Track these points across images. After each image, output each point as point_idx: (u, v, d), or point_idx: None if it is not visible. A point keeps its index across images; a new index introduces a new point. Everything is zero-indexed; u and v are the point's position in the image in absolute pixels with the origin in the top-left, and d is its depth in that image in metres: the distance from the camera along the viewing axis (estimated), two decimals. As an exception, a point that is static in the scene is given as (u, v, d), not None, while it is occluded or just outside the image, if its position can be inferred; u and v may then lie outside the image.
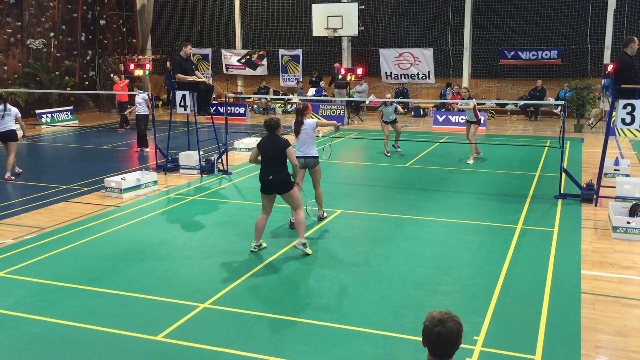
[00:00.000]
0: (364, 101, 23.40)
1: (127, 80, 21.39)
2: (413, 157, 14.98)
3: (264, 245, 8.21)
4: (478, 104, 14.32)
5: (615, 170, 12.32)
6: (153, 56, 27.87)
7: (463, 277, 7.18)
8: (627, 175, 11.92)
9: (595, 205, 10.35)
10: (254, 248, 8.08)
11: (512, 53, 23.13)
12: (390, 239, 8.62)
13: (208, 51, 27.58)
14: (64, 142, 18.59)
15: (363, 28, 24.62)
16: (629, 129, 11.95)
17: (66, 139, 19.18)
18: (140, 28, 28.33)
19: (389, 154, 15.21)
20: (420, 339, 3.13)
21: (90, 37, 26.13)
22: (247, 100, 25.66)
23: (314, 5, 24.48)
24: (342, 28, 24.13)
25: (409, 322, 5.99)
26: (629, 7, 21.56)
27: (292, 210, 9.11)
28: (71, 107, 23.08)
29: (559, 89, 22.31)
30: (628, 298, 6.60)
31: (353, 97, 23.15)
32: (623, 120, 9.87)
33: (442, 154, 15.39)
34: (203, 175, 13.00)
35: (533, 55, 22.88)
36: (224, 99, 20.05)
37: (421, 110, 23.83)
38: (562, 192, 10.86)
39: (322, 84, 24.86)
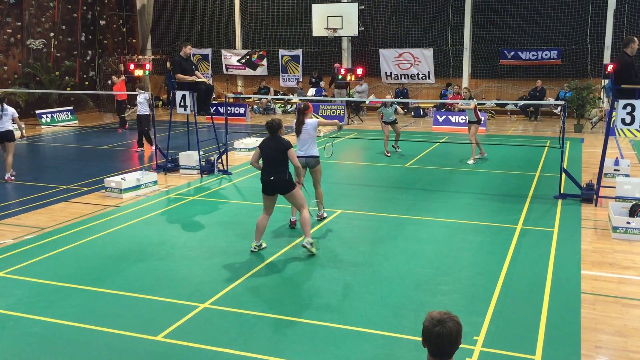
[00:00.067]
0: (364, 101, 23.41)
1: (124, 77, 21.36)
2: (413, 157, 14.98)
3: (264, 245, 8.21)
4: (478, 104, 14.31)
5: (615, 170, 12.32)
6: (153, 56, 27.87)
7: (463, 277, 7.19)
8: (627, 176, 11.92)
9: (595, 205, 10.36)
10: (254, 248, 8.08)
11: (512, 53, 23.13)
12: (390, 239, 8.63)
13: (208, 51, 27.59)
14: (64, 142, 18.59)
15: (363, 28, 24.63)
16: (629, 129, 11.94)
17: (66, 139, 19.19)
18: (140, 28, 28.34)
19: (389, 154, 15.21)
20: (420, 339, 3.13)
21: (90, 37, 26.14)
22: (247, 100, 25.66)
23: (314, 5, 24.49)
24: (342, 28, 24.14)
25: (409, 322, 5.99)
26: (629, 7, 21.56)
27: (292, 210, 9.15)
28: (71, 107, 23.08)
29: (559, 89, 22.31)
30: (628, 298, 6.60)
31: (353, 98, 23.15)
32: (623, 121, 9.87)
33: (442, 154, 15.39)
34: (203, 176, 13.00)
35: (533, 55, 22.89)
36: (224, 99, 20.05)
37: (421, 110, 23.82)
38: (562, 192, 10.86)
39: (322, 84, 24.86)
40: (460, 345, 3.09)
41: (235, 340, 5.66)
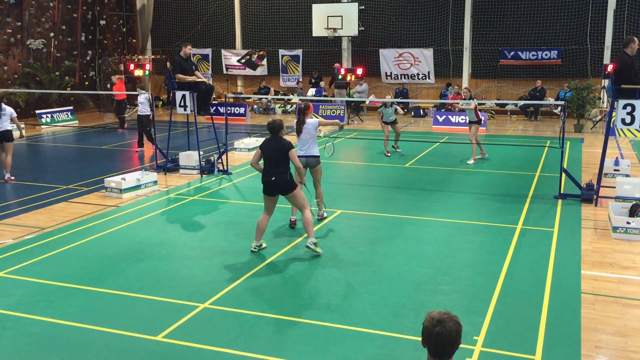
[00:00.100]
0: (364, 101, 23.41)
1: (120, 77, 21.35)
2: (413, 158, 14.98)
3: (264, 245, 8.21)
4: (478, 104, 14.31)
5: (615, 170, 12.32)
6: (153, 56, 27.87)
7: (463, 277, 7.19)
8: (627, 176, 11.92)
9: (595, 205, 10.36)
10: (254, 248, 8.08)
11: (512, 53, 23.13)
12: (390, 239, 8.63)
13: (208, 51, 27.59)
14: (64, 142, 18.59)
15: (363, 28, 24.63)
16: (629, 129, 11.95)
17: (66, 139, 19.19)
18: (140, 28, 28.34)
19: (389, 154, 15.21)
20: (420, 339, 3.13)
21: (90, 37, 26.14)
22: (247, 100, 25.67)
23: (314, 6, 24.49)
24: (342, 28, 24.14)
25: (409, 322, 5.99)
26: (629, 7, 21.56)
27: (292, 209, 9.15)
28: (71, 107, 23.08)
29: (559, 89, 22.31)
30: (628, 298, 6.60)
31: (353, 98, 23.15)
32: (623, 121, 9.87)
33: (442, 154, 15.39)
34: (203, 176, 13.00)
35: (533, 55, 22.89)
36: (223, 99, 20.05)
37: (421, 110, 23.82)
38: (562, 192, 10.86)
39: (322, 84, 24.86)
40: (460, 345, 3.09)
41: (235, 340, 5.67)
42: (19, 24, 22.83)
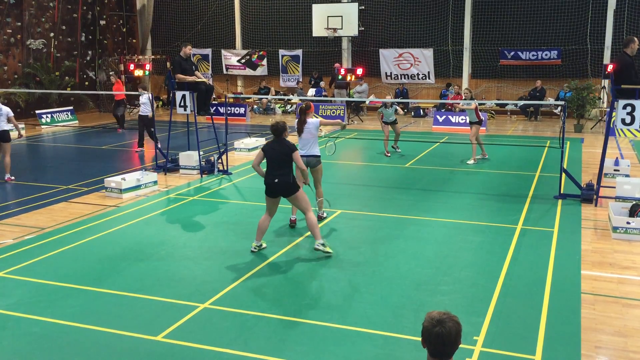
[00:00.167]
0: (364, 101, 23.41)
1: (115, 77, 21.36)
2: (413, 158, 14.98)
3: (264, 245, 8.21)
4: (478, 104, 14.31)
5: (615, 170, 12.32)
6: (153, 56, 27.88)
7: (463, 277, 7.19)
8: (627, 176, 11.92)
9: (595, 205, 10.36)
10: (254, 248, 8.08)
11: (512, 53, 23.13)
12: (390, 239, 8.63)
13: (208, 51, 27.59)
14: (64, 142, 18.60)
15: (363, 28, 24.63)
16: (628, 129, 11.94)
17: (66, 139, 19.19)
18: (140, 28, 28.34)
19: (389, 155, 15.21)
20: (420, 339, 3.13)
21: (90, 37, 26.14)
22: (247, 100, 25.67)
23: (314, 6, 24.49)
24: (342, 28, 24.14)
25: (409, 322, 5.99)
26: (629, 7, 21.57)
27: (292, 209, 9.15)
28: (71, 108, 23.08)
29: (559, 89, 22.31)
30: (628, 298, 6.60)
31: (353, 98, 23.15)
32: (623, 121, 9.87)
33: (442, 154, 15.39)
34: (203, 176, 13.00)
35: (533, 55, 22.89)
36: (223, 99, 20.05)
37: (421, 110, 23.83)
38: (562, 192, 10.86)
39: (322, 84, 24.86)
40: (460, 346, 3.09)
41: (235, 340, 5.67)
42: (19, 24, 22.83)
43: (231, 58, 27.32)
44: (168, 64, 26.30)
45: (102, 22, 26.72)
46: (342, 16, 24.07)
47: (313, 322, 6.04)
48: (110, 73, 21.55)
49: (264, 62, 26.84)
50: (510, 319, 6.06)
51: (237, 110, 23.07)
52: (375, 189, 11.98)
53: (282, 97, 25.91)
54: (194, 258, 7.95)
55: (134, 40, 28.69)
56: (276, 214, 8.46)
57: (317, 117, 9.57)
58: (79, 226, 9.35)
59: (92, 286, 6.99)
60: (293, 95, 25.40)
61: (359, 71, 22.76)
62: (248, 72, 27.28)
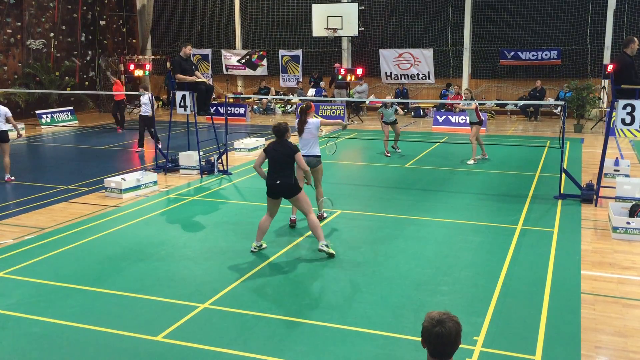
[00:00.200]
0: (364, 101, 23.41)
1: (113, 78, 21.37)
2: (413, 158, 14.98)
3: (264, 245, 8.21)
4: (478, 104, 14.31)
5: (615, 170, 12.33)
6: (153, 56, 27.88)
7: (463, 278, 7.19)
8: (627, 176, 11.92)
9: (595, 205, 10.36)
10: (254, 248, 8.07)
11: (512, 53, 23.13)
12: (390, 239, 8.63)
13: (208, 51, 27.59)
14: (64, 142, 18.60)
15: (363, 28, 24.63)
16: (628, 129, 11.95)
17: (66, 139, 19.19)
18: (140, 28, 28.34)
19: (389, 155, 15.22)
20: (420, 339, 3.13)
21: (90, 37, 26.14)
22: (247, 100, 25.67)
23: (313, 6, 24.49)
24: (342, 28, 24.14)
25: (409, 322, 5.99)
26: (629, 7, 21.57)
27: (292, 208, 9.14)
28: (71, 108, 23.09)
29: (559, 89, 22.31)
30: (628, 298, 6.60)
31: (353, 98, 23.15)
32: (623, 121, 9.87)
33: (442, 155, 15.39)
34: (203, 176, 13.00)
35: (533, 55, 22.89)
36: (223, 100, 20.05)
37: (421, 110, 23.83)
38: (562, 192, 10.86)
39: (322, 84, 24.86)
40: (460, 346, 3.10)
41: (235, 340, 5.67)
42: (19, 24, 22.82)
43: (231, 58, 27.32)
44: (168, 64, 26.30)
45: (102, 22, 26.72)
46: (342, 16, 24.07)
47: (313, 322, 6.04)
48: (108, 72, 21.50)
49: (264, 62, 26.84)
50: (510, 319, 6.06)
51: (237, 110, 23.07)
52: (375, 189, 11.98)
53: (282, 97, 25.91)
54: (194, 258, 7.95)
55: (134, 41, 28.69)
56: (276, 214, 8.46)
57: (317, 118, 9.56)
58: (79, 226, 9.35)
59: (92, 286, 6.99)
60: (293, 95, 25.40)
61: (359, 71, 22.77)
62: (248, 72, 27.28)
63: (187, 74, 12.52)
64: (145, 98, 15.98)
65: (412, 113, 23.94)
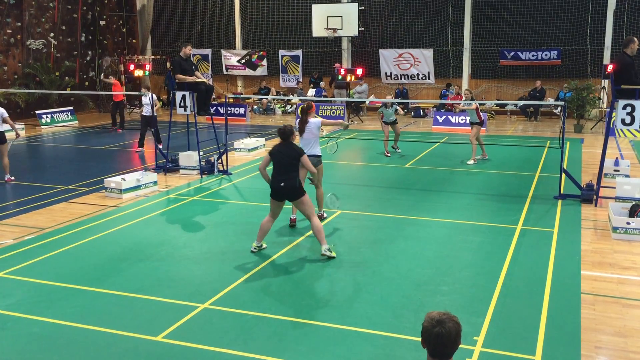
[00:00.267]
0: (364, 102, 23.41)
1: (112, 78, 21.35)
2: (413, 158, 14.98)
3: (264, 246, 8.21)
4: (478, 104, 14.31)
5: (615, 170, 12.33)
6: (153, 57, 27.88)
7: (463, 278, 7.19)
8: (627, 176, 11.92)
9: (595, 205, 10.36)
10: (255, 248, 8.07)
11: (512, 53, 23.13)
12: (390, 240, 8.63)
13: (208, 52, 27.60)
14: (64, 142, 18.60)
15: (363, 28, 24.63)
16: (628, 130, 11.96)
17: (66, 139, 19.19)
18: (140, 28, 28.34)
19: (389, 155, 15.22)
20: (420, 339, 3.13)
21: (90, 37, 26.14)
22: (247, 100, 25.67)
23: (313, 6, 24.49)
24: (342, 28, 24.15)
25: (409, 322, 5.99)
26: (629, 7, 21.57)
27: (292, 208, 9.14)
28: (71, 108, 23.08)
29: (559, 89, 22.32)
30: (628, 298, 6.61)
31: (353, 98, 23.15)
32: (623, 121, 9.88)
33: (442, 155, 15.39)
34: (203, 176, 13.00)
35: (533, 55, 22.89)
36: (223, 100, 20.05)
37: (421, 110, 23.84)
38: (562, 192, 10.86)
39: (322, 84, 24.87)
40: (460, 346, 3.09)
41: (235, 340, 5.67)
42: (19, 24, 22.82)
43: (231, 58, 27.32)
44: (168, 64, 26.31)
45: (102, 23, 26.72)
46: (342, 16, 24.07)
47: (313, 322, 6.04)
48: (101, 77, 21.45)
49: (264, 62, 26.84)
50: (510, 319, 6.06)
51: (237, 110, 23.07)
52: (376, 189, 11.98)
53: (282, 97, 25.91)
54: (194, 258, 7.95)
55: (134, 41, 28.69)
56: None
57: (318, 118, 9.57)
58: (79, 226, 9.35)
59: (92, 286, 6.99)
60: (293, 95, 25.40)
61: (359, 71, 22.77)
62: (248, 72, 27.29)
63: (187, 74, 12.52)
64: (146, 98, 15.98)
65: (412, 113, 23.94)
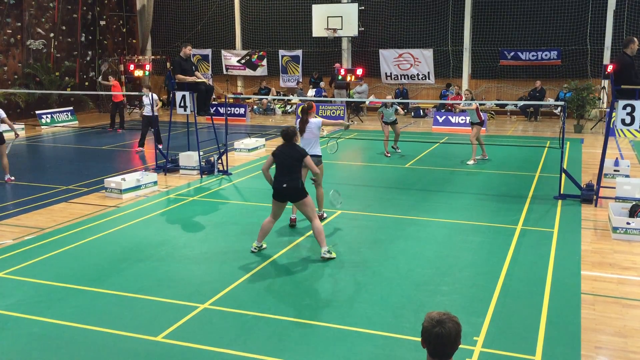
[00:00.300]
0: (364, 102, 23.41)
1: (115, 80, 21.38)
2: (413, 158, 14.98)
3: (264, 246, 8.20)
4: (478, 104, 14.31)
5: (615, 170, 12.32)
6: (153, 57, 27.88)
7: (463, 278, 7.19)
8: (627, 176, 11.92)
9: (595, 205, 10.36)
10: (255, 249, 8.07)
11: (512, 54, 23.13)
12: (390, 240, 8.63)
13: (208, 52, 27.60)
14: (64, 142, 18.60)
15: (363, 28, 24.63)
16: (628, 130, 11.96)
17: (66, 139, 19.19)
18: (140, 29, 28.34)
19: (389, 155, 15.22)
20: (420, 339, 3.13)
21: (90, 37, 26.14)
22: (246, 100, 25.67)
23: (313, 6, 24.49)
24: (342, 28, 24.15)
25: (409, 322, 5.99)
26: (629, 7, 21.57)
27: (292, 208, 9.14)
28: (71, 108, 23.08)
29: (559, 89, 22.32)
30: (628, 299, 6.61)
31: (353, 98, 23.15)
32: (623, 121, 9.88)
33: (442, 155, 15.39)
34: (203, 176, 13.00)
35: (533, 55, 22.89)
36: (223, 100, 20.05)
37: (421, 110, 23.84)
38: (562, 192, 10.86)
39: (322, 84, 24.87)
40: (460, 346, 3.10)
41: (235, 340, 5.67)
42: (19, 24, 22.83)
43: (231, 58, 27.32)
44: (168, 64, 26.31)
45: (102, 23, 26.72)
46: (342, 16, 24.07)
47: (313, 322, 6.04)
48: (103, 69, 21.43)
49: (264, 62, 26.84)
50: (510, 319, 6.06)
51: (237, 110, 23.07)
52: (376, 190, 11.98)
53: (282, 97, 25.91)
54: (193, 258, 7.95)
55: (134, 41, 28.69)
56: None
57: (318, 118, 9.58)
58: (79, 226, 9.35)
59: (92, 286, 6.99)
60: (293, 95, 25.40)
61: (359, 71, 22.77)
62: (248, 72, 27.28)
63: (187, 74, 12.52)
64: (147, 98, 15.98)
65: (412, 113, 23.94)
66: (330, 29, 24.17)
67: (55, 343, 5.68)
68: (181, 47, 12.81)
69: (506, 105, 23.31)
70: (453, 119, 20.12)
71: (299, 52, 26.20)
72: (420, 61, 24.52)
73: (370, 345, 5.56)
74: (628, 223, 8.51)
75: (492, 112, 23.11)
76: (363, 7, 24.47)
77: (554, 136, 18.30)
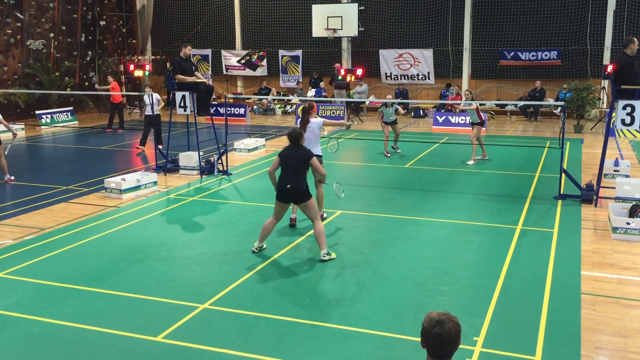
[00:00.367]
0: (364, 102, 23.41)
1: (114, 80, 21.40)
2: (413, 158, 14.98)
3: (265, 246, 8.20)
4: (478, 104, 14.31)
5: (615, 171, 12.32)
6: (153, 57, 27.88)
7: (463, 278, 7.19)
8: (627, 176, 11.92)
9: (595, 206, 10.36)
10: (255, 249, 8.07)
11: (512, 54, 23.13)
12: (390, 240, 8.63)
13: (208, 52, 27.60)
14: (63, 142, 18.60)
15: (363, 29, 24.63)
16: (628, 130, 11.96)
17: (66, 139, 19.19)
18: (140, 29, 28.34)
19: (389, 155, 15.22)
20: (420, 339, 3.13)
21: (90, 37, 26.14)
22: (246, 101, 25.67)
23: (313, 6, 24.49)
24: (341, 29, 24.15)
25: (409, 322, 5.99)
26: (629, 7, 21.57)
27: (292, 207, 9.14)
28: (71, 108, 23.08)
29: (559, 89, 22.32)
30: (628, 299, 6.61)
31: (353, 98, 23.15)
32: (623, 121, 9.88)
33: (442, 155, 15.39)
34: (203, 176, 13.00)
35: (533, 56, 22.90)
36: (223, 100, 20.04)
37: (421, 111, 23.84)
38: (561, 192, 10.86)
39: (322, 84, 24.87)
40: (460, 346, 3.10)
41: (235, 340, 5.67)
42: (19, 24, 22.82)
43: (231, 58, 27.32)
44: (168, 64, 26.30)
45: (102, 23, 26.72)
46: (342, 16, 24.07)
47: (313, 323, 6.04)
48: (95, 80, 21.46)
49: (264, 62, 26.84)
50: (510, 319, 6.06)
51: (237, 110, 23.07)
52: (375, 190, 11.98)
53: (282, 97, 25.91)
54: (193, 258, 7.95)
55: (134, 41, 28.69)
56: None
57: (319, 118, 9.58)
58: (79, 227, 9.35)
59: (92, 286, 6.99)
60: (293, 95, 25.40)
61: (359, 72, 22.77)
62: (248, 72, 27.28)
63: (187, 75, 12.52)
64: (148, 98, 16.00)
65: (412, 113, 23.94)
66: (330, 29, 24.17)
67: (55, 343, 5.68)
68: (181, 47, 12.81)
69: (506, 105, 23.31)
70: (453, 119, 20.12)
71: (298, 52, 26.20)
72: (420, 61, 24.52)
73: (370, 345, 5.56)
74: (628, 223, 8.51)
75: (492, 112, 23.12)
76: (363, 7, 24.47)
77: (553, 136, 18.30)
